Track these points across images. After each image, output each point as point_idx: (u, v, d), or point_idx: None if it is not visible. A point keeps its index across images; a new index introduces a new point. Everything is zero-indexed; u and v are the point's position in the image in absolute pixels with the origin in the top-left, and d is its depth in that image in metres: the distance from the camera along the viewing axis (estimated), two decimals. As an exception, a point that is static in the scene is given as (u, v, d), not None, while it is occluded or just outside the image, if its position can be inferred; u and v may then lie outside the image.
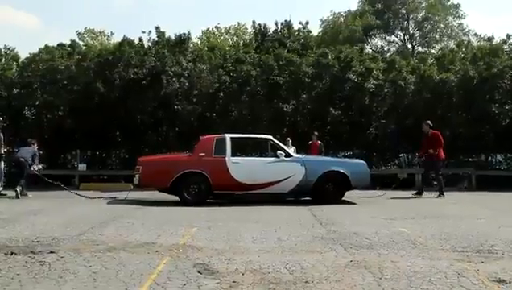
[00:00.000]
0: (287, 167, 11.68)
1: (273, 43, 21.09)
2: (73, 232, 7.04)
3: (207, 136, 12.27)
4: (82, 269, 4.87)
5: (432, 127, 13.75)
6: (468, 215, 9.53)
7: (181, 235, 6.85)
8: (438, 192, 13.28)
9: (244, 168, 11.57)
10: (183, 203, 11.21)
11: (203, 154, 11.60)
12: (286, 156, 11.78)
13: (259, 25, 22.96)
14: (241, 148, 13.89)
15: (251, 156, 14.22)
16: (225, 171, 11.44)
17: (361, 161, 13.06)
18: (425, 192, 13.48)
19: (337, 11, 39.66)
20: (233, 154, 11.80)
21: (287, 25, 22.72)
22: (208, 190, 11.52)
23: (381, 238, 6.63)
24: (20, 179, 13.13)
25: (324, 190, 11.74)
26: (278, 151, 11.85)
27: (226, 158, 11.54)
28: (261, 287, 4.31)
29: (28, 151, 13.73)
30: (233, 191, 11.85)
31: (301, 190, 11.86)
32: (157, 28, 20.22)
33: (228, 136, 11.84)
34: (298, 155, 12.47)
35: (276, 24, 22.65)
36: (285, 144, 13.59)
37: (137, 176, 11.84)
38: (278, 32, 22.55)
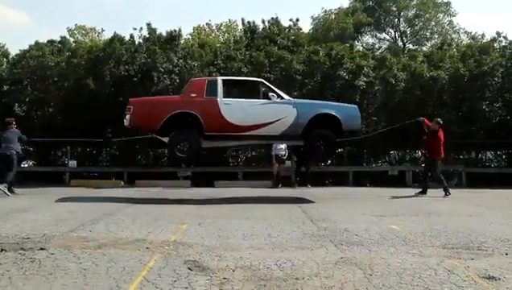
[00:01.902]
0: (279, 108, 11.45)
1: (263, 40, 21.05)
2: (63, 229, 7.00)
3: (198, 78, 11.98)
4: (72, 266, 4.85)
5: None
6: (458, 212, 9.58)
7: (172, 232, 6.83)
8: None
9: (236, 109, 11.30)
10: (172, 161, 10.87)
11: (194, 95, 11.37)
12: (278, 98, 11.56)
13: (248, 22, 22.86)
14: (232, 92, 13.55)
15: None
16: (217, 111, 11.17)
17: (353, 105, 12.92)
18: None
19: (328, 8, 39.62)
20: (225, 96, 11.53)
21: (275, 22, 22.60)
22: (198, 145, 11.30)
23: (371, 235, 6.65)
24: (8, 174, 12.78)
25: (315, 147, 11.61)
26: (270, 93, 11.58)
27: (218, 99, 11.28)
28: (251, 284, 4.31)
29: (15, 134, 13.00)
30: (224, 132, 11.47)
31: (292, 133, 11.59)
32: (148, 25, 20.24)
33: (220, 78, 11.73)
34: (289, 98, 12.11)
35: (263, 22, 22.52)
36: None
37: (127, 116, 11.40)
38: (266, 30, 22.46)
